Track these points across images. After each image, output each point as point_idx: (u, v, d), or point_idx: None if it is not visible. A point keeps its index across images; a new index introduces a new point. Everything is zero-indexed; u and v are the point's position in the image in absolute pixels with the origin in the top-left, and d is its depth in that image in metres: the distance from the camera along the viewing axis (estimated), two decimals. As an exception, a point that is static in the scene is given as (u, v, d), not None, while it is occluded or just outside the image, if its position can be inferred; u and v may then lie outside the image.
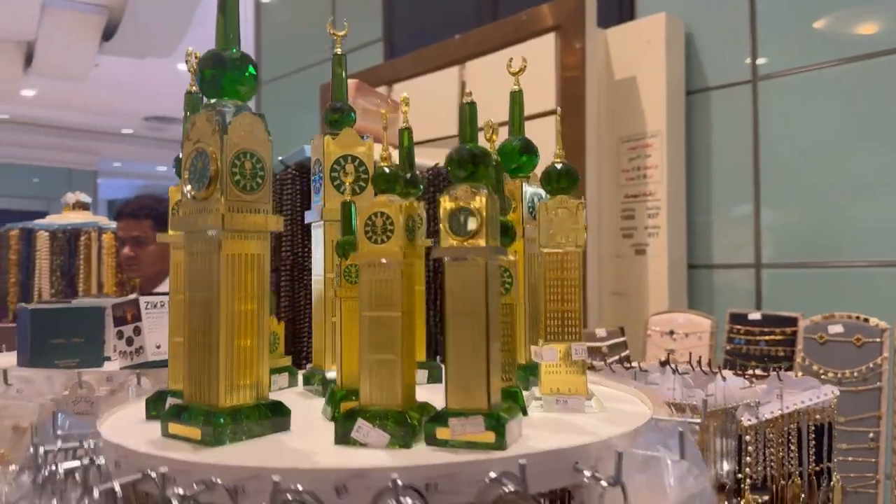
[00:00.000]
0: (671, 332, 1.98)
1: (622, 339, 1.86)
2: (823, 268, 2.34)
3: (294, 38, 4.73)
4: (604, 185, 2.74)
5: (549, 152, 2.78)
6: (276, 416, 0.70)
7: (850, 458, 1.61)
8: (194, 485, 0.54)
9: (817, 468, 1.08)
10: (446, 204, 0.66)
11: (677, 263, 2.65)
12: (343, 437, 0.65)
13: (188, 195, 0.69)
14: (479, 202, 0.65)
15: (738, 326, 1.84)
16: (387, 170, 0.71)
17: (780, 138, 2.46)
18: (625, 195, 2.74)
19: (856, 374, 1.64)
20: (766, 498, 1.04)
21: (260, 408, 0.69)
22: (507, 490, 0.55)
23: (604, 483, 0.57)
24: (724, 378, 1.10)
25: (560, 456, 0.62)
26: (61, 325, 1.24)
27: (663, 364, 1.16)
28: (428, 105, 3.10)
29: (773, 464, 1.05)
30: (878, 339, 1.64)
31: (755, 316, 1.83)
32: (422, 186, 0.93)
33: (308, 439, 0.68)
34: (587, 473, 0.58)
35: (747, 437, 1.05)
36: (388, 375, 0.66)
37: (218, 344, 0.66)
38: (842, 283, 2.29)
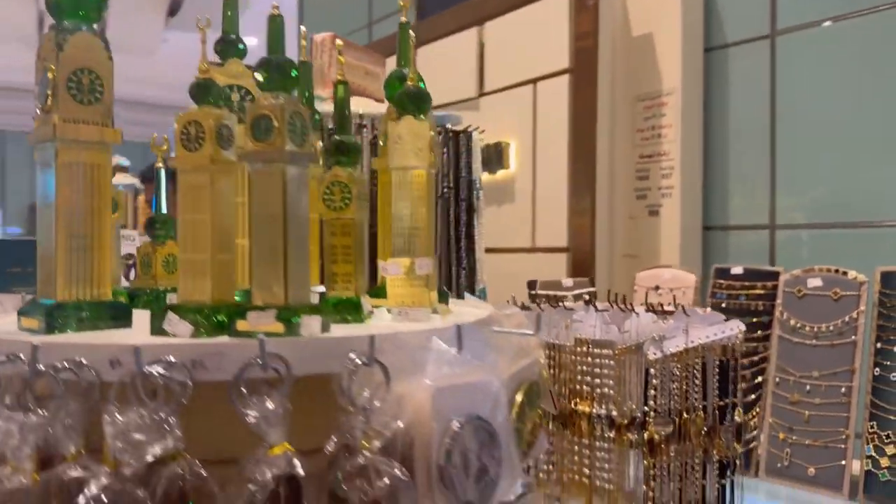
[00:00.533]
0: (657, 288, 1.94)
1: (591, 289, 1.84)
2: (841, 227, 2.25)
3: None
4: (617, 146, 2.69)
5: (563, 112, 2.77)
6: (113, 311, 0.74)
7: (822, 413, 1.56)
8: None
9: (721, 403, 1.06)
10: (250, 111, 0.68)
11: (691, 225, 2.59)
12: (157, 329, 0.68)
13: (36, 111, 0.73)
14: (278, 109, 0.66)
15: (721, 281, 1.80)
16: (203, 81, 0.73)
17: (799, 95, 2.37)
18: (639, 155, 2.69)
19: (832, 327, 1.58)
20: (669, 430, 1.03)
21: (97, 304, 0.73)
22: (267, 370, 0.57)
23: (358, 361, 0.58)
24: (637, 314, 1.09)
25: (337, 343, 0.64)
26: (19, 255, 1.32)
27: (587, 303, 1.15)
28: (449, 67, 3.10)
29: (676, 397, 1.04)
30: (855, 293, 1.57)
31: (737, 270, 1.78)
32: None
33: (136, 332, 0.72)
34: (352, 356, 0.59)
35: (652, 371, 1.04)
36: (199, 274, 0.69)
37: (56, 244, 0.70)
38: (859, 242, 2.20)
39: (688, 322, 1.04)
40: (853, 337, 1.55)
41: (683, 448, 1.03)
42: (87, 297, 0.72)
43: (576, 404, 1.14)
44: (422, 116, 0.86)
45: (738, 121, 2.54)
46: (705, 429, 1.04)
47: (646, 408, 1.04)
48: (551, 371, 1.17)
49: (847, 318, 1.57)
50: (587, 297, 1.16)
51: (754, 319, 1.70)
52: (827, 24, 2.28)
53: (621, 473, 1.10)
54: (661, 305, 1.10)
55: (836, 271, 1.61)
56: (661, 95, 2.60)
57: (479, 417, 0.59)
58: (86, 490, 0.53)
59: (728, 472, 1.05)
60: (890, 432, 1.47)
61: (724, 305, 1.77)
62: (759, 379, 1.67)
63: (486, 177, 2.98)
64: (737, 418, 1.06)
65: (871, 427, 1.50)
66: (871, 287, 1.56)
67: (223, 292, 0.71)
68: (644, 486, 1.05)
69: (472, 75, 3.05)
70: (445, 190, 1.59)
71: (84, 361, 0.57)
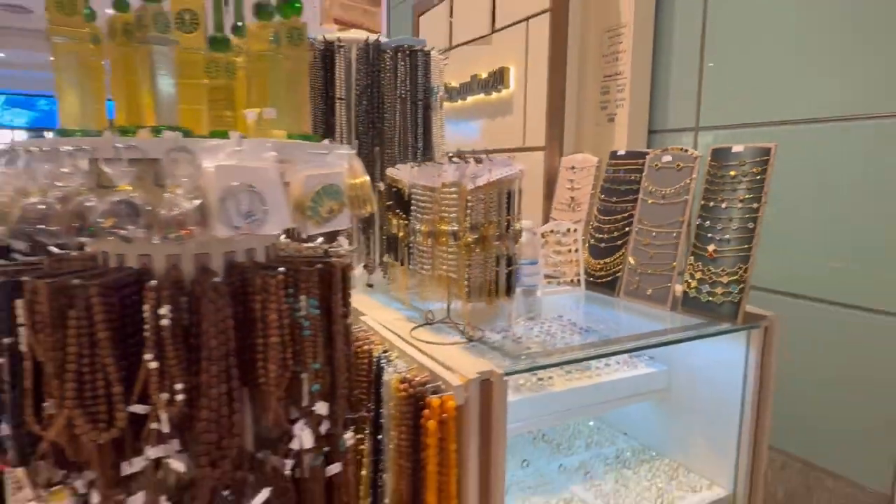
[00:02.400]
0: (572, 168, 2.06)
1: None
2: (753, 127, 2.25)
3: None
4: (586, 68, 2.74)
5: (545, 42, 2.80)
6: None
7: (660, 251, 1.68)
8: None
9: (509, 217, 1.24)
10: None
11: (639, 129, 2.64)
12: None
13: None
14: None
15: (612, 161, 1.90)
16: None
17: (722, 27, 2.34)
18: (603, 75, 2.72)
19: (672, 190, 1.67)
20: (476, 236, 1.22)
21: None
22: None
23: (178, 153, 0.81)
24: (466, 162, 1.27)
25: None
26: None
27: (450, 158, 1.33)
28: (470, 13, 3.18)
29: (481, 215, 1.22)
30: (692, 165, 1.66)
31: (622, 152, 1.87)
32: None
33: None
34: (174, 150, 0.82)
35: (469, 197, 1.22)
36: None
37: None
38: (760, 138, 2.21)
39: (491, 166, 1.21)
40: (686, 197, 1.65)
41: (484, 248, 1.23)
42: None
43: (440, 225, 1.34)
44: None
45: (679, 47, 2.52)
46: (499, 233, 1.22)
47: (466, 223, 1.24)
48: (432, 205, 1.37)
49: (683, 184, 1.66)
50: (450, 155, 1.33)
51: (627, 187, 1.81)
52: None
53: (461, 268, 1.31)
54: (489, 158, 1.26)
55: (682, 150, 1.69)
56: (620, 27, 2.60)
57: (251, 186, 0.81)
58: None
59: (510, 264, 1.25)
60: (700, 264, 1.58)
61: (611, 177, 1.88)
62: (627, 229, 1.79)
63: (490, 95, 3.10)
64: (514, 227, 1.24)
65: (690, 261, 1.62)
66: (704, 160, 1.64)
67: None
68: (465, 274, 1.26)
69: (487, 17, 3.11)
70: (403, 92, 1.76)
71: None
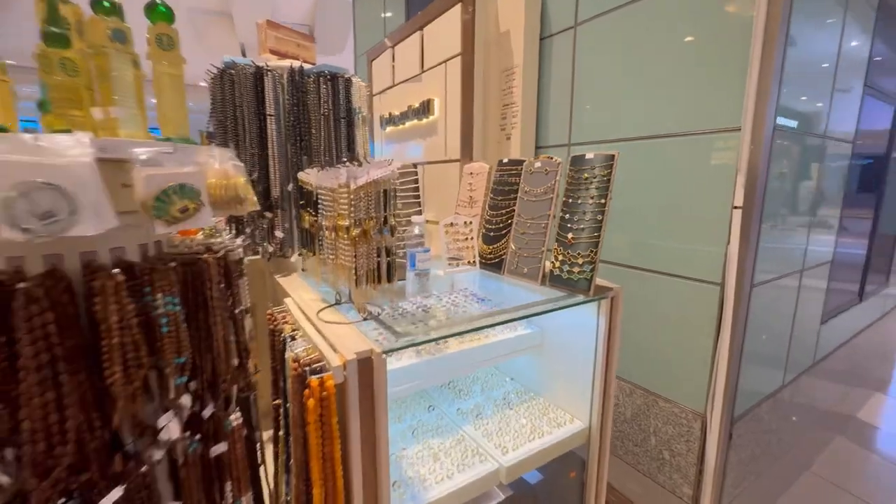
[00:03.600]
0: (471, 173, 1.79)
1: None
2: (609, 143, 2.02)
3: None
4: (489, 99, 2.45)
5: (458, 79, 2.52)
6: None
7: (534, 238, 1.44)
8: None
9: (385, 214, 0.96)
10: None
11: (528, 144, 2.38)
12: None
13: None
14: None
15: (500, 167, 1.63)
16: None
17: (588, 65, 2.08)
18: (503, 104, 2.44)
19: (542, 189, 1.42)
20: (357, 231, 0.94)
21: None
22: None
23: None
24: (359, 165, 0.98)
25: None
26: None
27: (343, 163, 1.04)
28: (408, 56, 2.84)
29: (363, 211, 0.94)
30: (556, 169, 1.40)
31: (506, 160, 1.61)
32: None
33: None
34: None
35: (351, 196, 0.94)
36: None
37: None
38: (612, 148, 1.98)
39: (370, 168, 0.93)
40: (551, 195, 1.40)
41: (366, 240, 0.95)
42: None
43: (339, 220, 1.05)
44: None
45: (556, 82, 2.26)
46: (377, 228, 0.95)
47: (353, 218, 0.95)
48: (332, 203, 1.08)
49: (551, 184, 1.41)
50: (345, 160, 1.04)
51: (510, 188, 1.55)
52: (602, 17, 1.95)
53: (351, 257, 1.03)
54: (367, 160, 0.98)
55: (550, 158, 1.44)
56: (513, 68, 2.32)
57: (50, 184, 0.51)
58: None
59: (388, 255, 0.98)
60: (562, 248, 1.35)
61: (498, 180, 1.61)
62: (510, 221, 1.54)
63: (421, 120, 2.78)
64: (391, 222, 0.96)
65: (555, 246, 1.37)
66: (566, 165, 1.39)
67: None
68: (353, 263, 0.98)
69: (418, 60, 2.78)
70: (325, 110, 1.45)
71: None
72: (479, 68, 2.36)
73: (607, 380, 1.38)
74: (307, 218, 1.18)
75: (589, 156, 1.31)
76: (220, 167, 0.73)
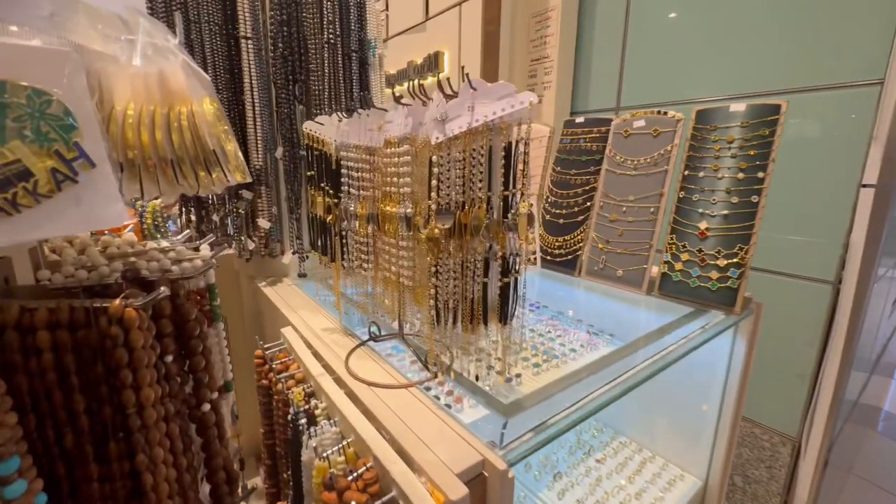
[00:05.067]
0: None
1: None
2: (663, 105, 1.61)
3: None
4: (516, 53, 1.99)
5: (477, 27, 2.05)
6: None
7: (632, 229, 1.02)
8: None
9: (506, 192, 0.52)
10: None
11: (563, 109, 1.94)
12: None
13: None
14: None
15: (568, 129, 1.20)
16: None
17: (644, 12, 1.65)
18: (531, 59, 1.99)
19: (649, 159, 1.00)
20: (449, 224, 0.49)
21: None
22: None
23: None
24: (424, 103, 0.52)
25: None
26: None
27: (396, 101, 0.58)
28: (406, 3, 2.32)
29: (459, 187, 0.50)
30: (672, 129, 0.99)
31: (580, 120, 1.17)
32: None
33: None
34: None
35: (434, 159, 0.49)
36: None
37: None
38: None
39: (474, 97, 0.48)
40: (665, 167, 0.98)
41: (463, 243, 0.50)
42: None
43: (385, 205, 0.60)
44: None
45: (602, 31, 1.82)
46: (487, 222, 0.50)
47: (429, 202, 0.50)
48: (371, 175, 0.62)
49: (662, 151, 0.99)
50: (397, 96, 0.58)
51: (587, 158, 1.13)
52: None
53: (422, 271, 0.58)
54: (450, 86, 0.52)
55: (658, 112, 1.01)
56: (548, 11, 1.86)
57: None
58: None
59: (505, 269, 0.53)
60: (686, 243, 0.94)
61: (568, 147, 1.18)
62: (589, 204, 1.12)
63: (426, 79, 2.29)
64: (522, 210, 0.51)
65: (672, 239, 0.97)
66: (687, 123, 0.97)
67: None
68: (432, 283, 0.53)
69: (421, 6, 2.27)
70: (332, 37, 0.96)
71: None
72: (506, 13, 1.89)
73: (734, 422, 1.01)
74: (320, 200, 0.71)
75: (735, 107, 0.89)
76: (153, 67, 0.27)
